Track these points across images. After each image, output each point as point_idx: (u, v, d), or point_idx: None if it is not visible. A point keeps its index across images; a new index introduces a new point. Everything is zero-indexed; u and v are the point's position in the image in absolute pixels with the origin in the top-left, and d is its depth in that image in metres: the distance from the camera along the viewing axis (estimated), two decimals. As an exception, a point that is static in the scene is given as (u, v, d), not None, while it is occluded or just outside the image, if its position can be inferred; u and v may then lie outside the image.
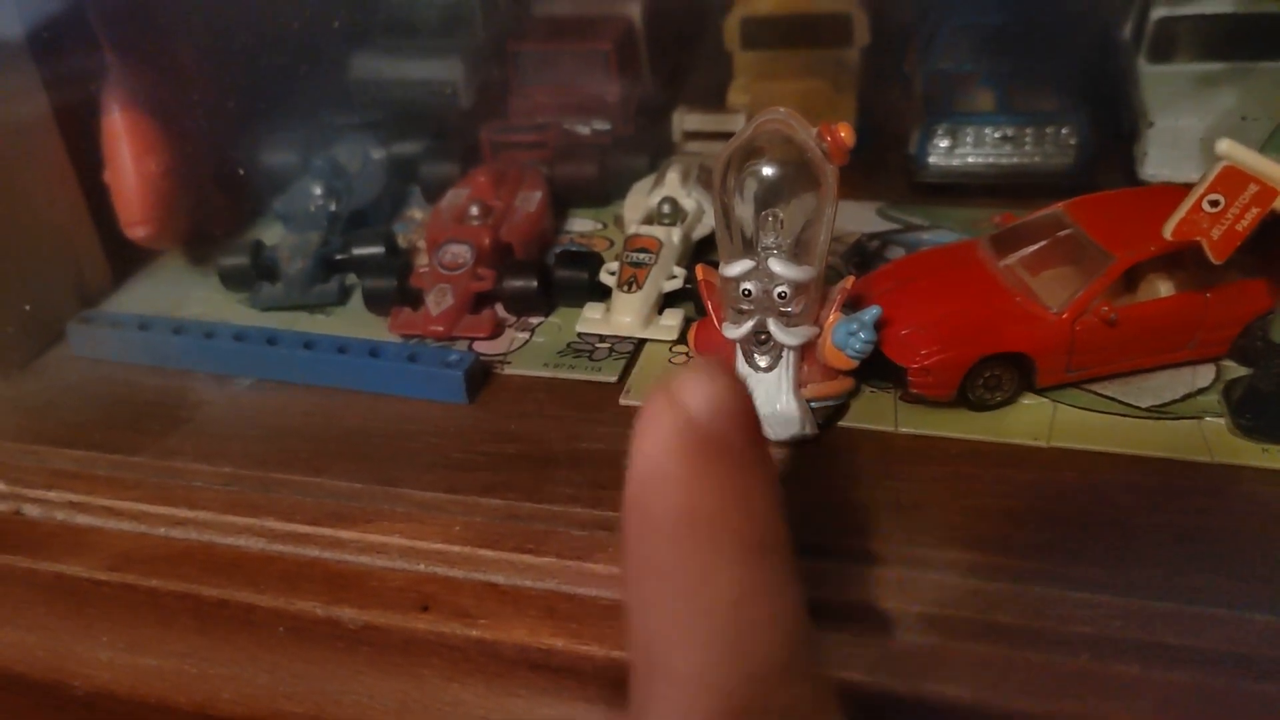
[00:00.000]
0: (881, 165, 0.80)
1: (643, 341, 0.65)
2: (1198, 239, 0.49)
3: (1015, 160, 0.73)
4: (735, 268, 0.54)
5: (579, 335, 0.65)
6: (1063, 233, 0.59)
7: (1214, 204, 0.48)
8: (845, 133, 0.53)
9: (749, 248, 0.55)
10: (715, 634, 0.30)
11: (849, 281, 0.57)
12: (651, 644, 0.31)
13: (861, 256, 0.70)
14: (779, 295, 0.54)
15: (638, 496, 0.31)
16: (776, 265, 0.53)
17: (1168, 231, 0.49)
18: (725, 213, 0.55)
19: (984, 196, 0.75)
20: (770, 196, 0.55)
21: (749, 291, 0.54)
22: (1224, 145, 0.48)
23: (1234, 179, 0.48)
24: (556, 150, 0.78)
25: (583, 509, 0.54)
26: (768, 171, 0.54)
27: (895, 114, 0.83)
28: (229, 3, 0.82)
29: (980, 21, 0.79)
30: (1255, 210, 0.48)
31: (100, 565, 0.55)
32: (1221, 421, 0.55)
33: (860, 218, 0.75)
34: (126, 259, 0.77)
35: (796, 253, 0.55)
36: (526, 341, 0.66)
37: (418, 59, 0.87)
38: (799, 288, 0.54)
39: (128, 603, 0.54)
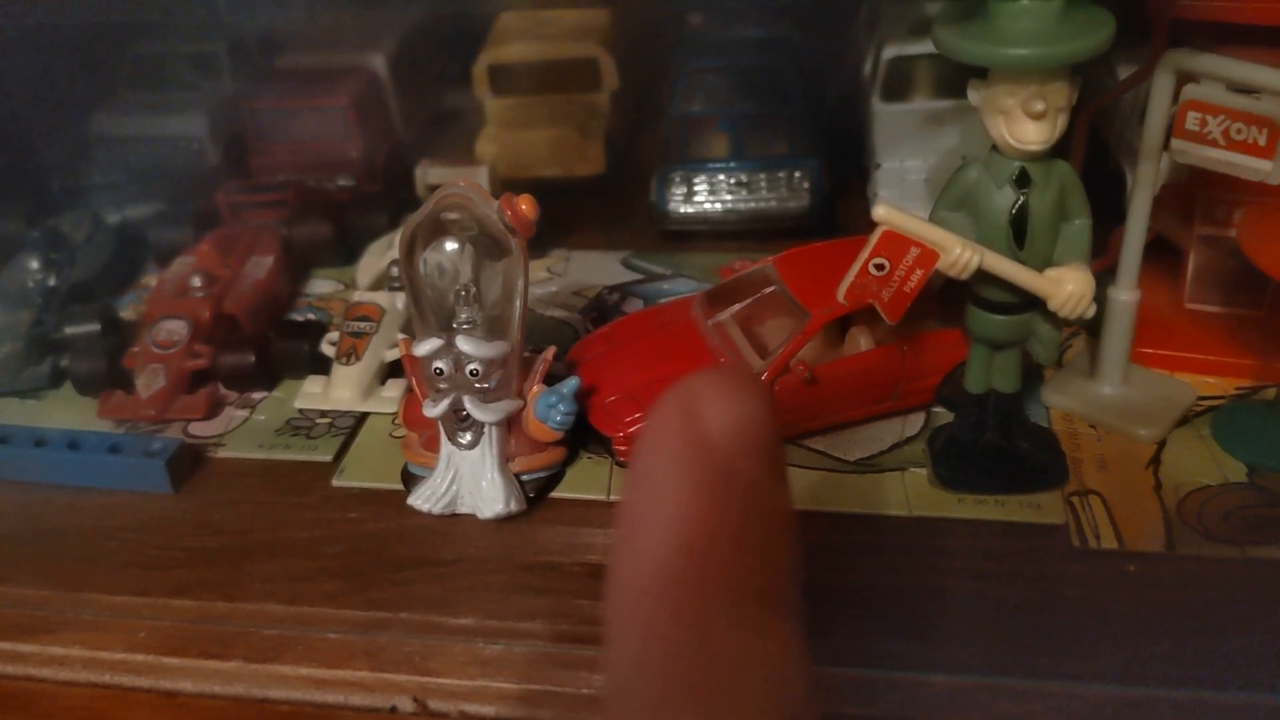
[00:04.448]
0: (630, 213, 0.79)
1: (365, 415, 0.63)
2: (870, 301, 0.49)
3: (752, 205, 0.74)
4: (423, 347, 0.53)
5: (299, 411, 0.63)
6: (768, 289, 0.59)
7: (880, 267, 0.49)
8: (526, 205, 0.52)
9: (446, 324, 0.54)
10: (705, 705, 0.24)
11: (550, 352, 0.56)
12: (627, 702, 0.25)
13: (600, 311, 0.70)
14: (471, 372, 0.53)
15: (631, 526, 0.26)
16: (464, 343, 0.52)
17: (840, 295, 0.49)
18: (414, 289, 0.54)
19: (727, 241, 0.75)
20: (461, 271, 0.54)
21: (441, 370, 0.53)
22: (881, 210, 0.48)
23: (894, 243, 0.48)
24: (294, 210, 0.76)
25: (278, 605, 0.52)
26: (452, 246, 0.53)
27: (648, 159, 0.82)
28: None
29: (722, 64, 0.79)
30: (920, 272, 0.49)
31: None
32: (923, 472, 0.56)
33: (606, 269, 0.74)
34: None
35: (493, 326, 0.54)
36: (245, 420, 0.63)
37: (163, 114, 0.84)
38: (491, 363, 0.53)
39: None
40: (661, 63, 0.86)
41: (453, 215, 0.53)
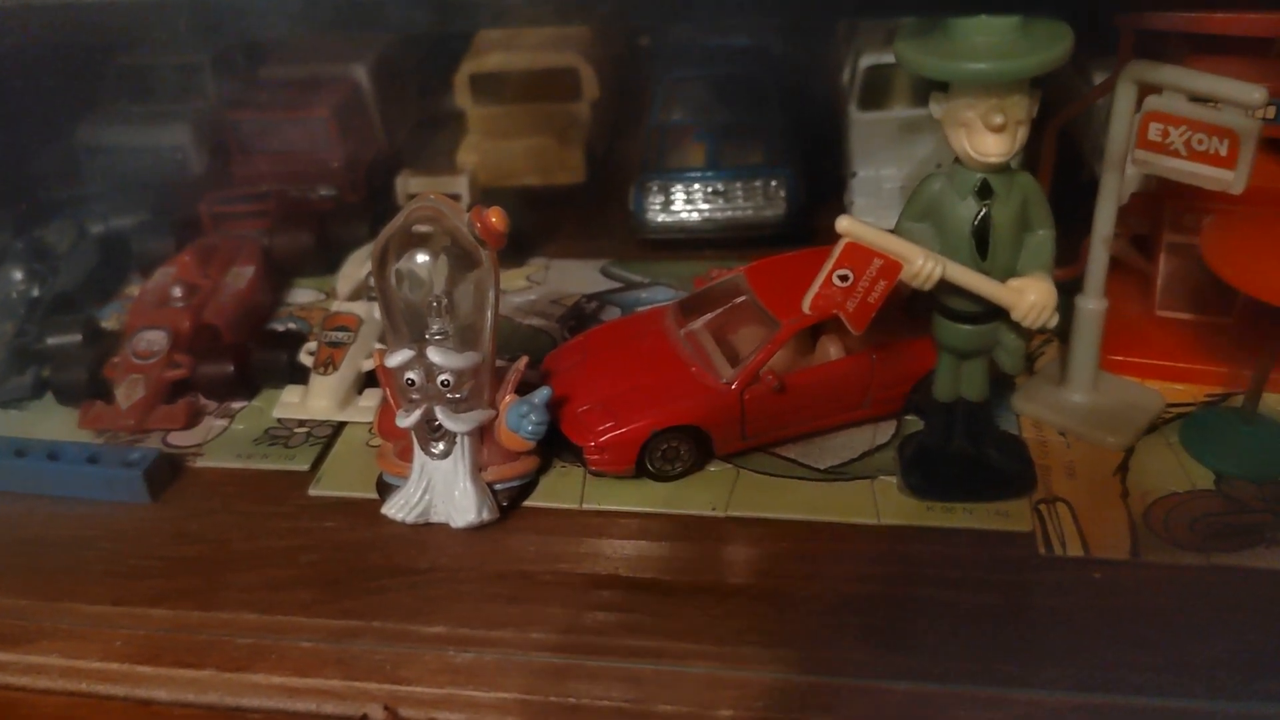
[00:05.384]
0: (609, 222, 0.80)
1: (342, 425, 0.63)
2: (835, 311, 0.50)
3: (728, 214, 0.74)
4: (395, 358, 0.53)
5: (277, 421, 0.64)
6: (739, 299, 0.60)
7: (843, 279, 0.49)
8: (496, 218, 0.52)
9: (419, 335, 0.55)
10: None
11: (522, 362, 0.56)
12: None
13: (578, 319, 0.70)
14: (443, 383, 0.53)
15: None
16: (435, 354, 0.53)
17: (806, 306, 0.50)
18: (386, 300, 0.54)
19: (705, 249, 0.76)
20: (434, 282, 0.54)
21: (413, 381, 0.53)
22: (844, 223, 0.48)
23: (857, 255, 0.49)
24: (276, 219, 0.76)
25: (253, 614, 0.52)
26: (424, 258, 0.54)
27: (627, 168, 0.83)
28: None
29: (700, 74, 0.79)
30: (883, 283, 0.49)
31: None
32: (893, 480, 0.56)
33: (584, 277, 0.75)
34: None
35: (465, 337, 0.54)
36: (225, 430, 0.64)
37: (147, 124, 0.84)
38: (462, 374, 0.53)
39: None
40: (641, 72, 0.87)
41: (425, 227, 0.54)
